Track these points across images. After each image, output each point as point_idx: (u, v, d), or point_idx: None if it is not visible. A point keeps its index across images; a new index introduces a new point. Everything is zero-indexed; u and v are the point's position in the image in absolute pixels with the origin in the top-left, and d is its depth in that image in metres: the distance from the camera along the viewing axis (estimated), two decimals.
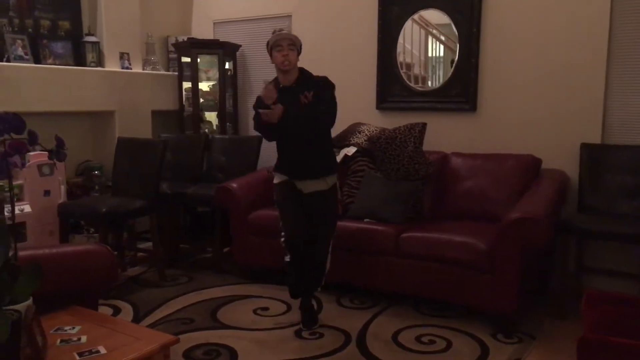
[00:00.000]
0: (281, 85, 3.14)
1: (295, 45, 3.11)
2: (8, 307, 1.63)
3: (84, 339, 1.82)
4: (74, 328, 1.90)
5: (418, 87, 4.40)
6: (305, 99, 3.09)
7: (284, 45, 3.06)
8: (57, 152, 1.60)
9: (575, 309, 3.42)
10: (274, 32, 3.12)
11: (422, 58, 4.51)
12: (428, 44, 4.50)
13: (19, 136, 1.49)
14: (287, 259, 3.23)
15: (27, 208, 3.90)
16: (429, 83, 4.46)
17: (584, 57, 3.71)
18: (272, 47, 3.08)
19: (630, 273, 3.49)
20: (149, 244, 4.68)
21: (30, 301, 1.72)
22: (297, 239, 3.15)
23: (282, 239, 3.25)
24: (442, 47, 4.51)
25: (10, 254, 1.75)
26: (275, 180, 3.28)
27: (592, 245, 3.62)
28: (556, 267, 3.66)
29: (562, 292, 3.50)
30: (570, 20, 3.74)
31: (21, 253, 1.90)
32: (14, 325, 1.56)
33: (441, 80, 4.43)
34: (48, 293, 1.86)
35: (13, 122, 1.38)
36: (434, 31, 4.40)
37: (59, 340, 1.80)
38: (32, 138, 1.44)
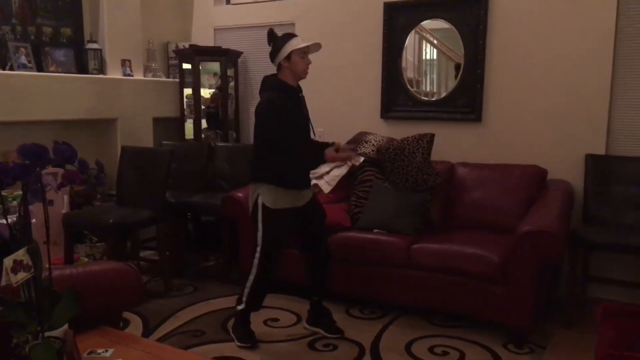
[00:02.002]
0: (288, 88, 3.08)
1: None
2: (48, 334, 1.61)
3: None
4: (107, 351, 1.88)
5: (423, 97, 4.43)
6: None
7: (307, 53, 3.05)
8: (98, 177, 1.58)
9: (581, 318, 3.50)
10: (291, 36, 3.06)
11: (416, 62, 4.53)
12: (422, 48, 4.54)
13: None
14: (254, 278, 3.13)
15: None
16: (423, 87, 4.50)
17: (589, 69, 3.76)
18: (297, 51, 2.99)
19: (636, 282, 3.55)
20: (148, 253, 4.65)
21: (66, 326, 1.70)
22: (272, 277, 3.17)
23: (256, 261, 3.12)
24: (434, 50, 4.54)
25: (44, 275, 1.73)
26: (271, 204, 3.04)
27: (597, 255, 3.67)
28: (562, 276, 3.72)
29: (567, 301, 3.55)
30: (576, 32, 3.79)
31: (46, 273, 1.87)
32: (57, 354, 1.54)
33: (435, 83, 4.48)
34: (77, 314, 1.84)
35: (66, 152, 1.37)
36: (428, 35, 4.43)
37: None
38: (82, 167, 1.43)
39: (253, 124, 3.14)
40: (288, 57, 3.00)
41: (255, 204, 3.10)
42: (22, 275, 1.43)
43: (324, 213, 3.33)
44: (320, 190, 4.07)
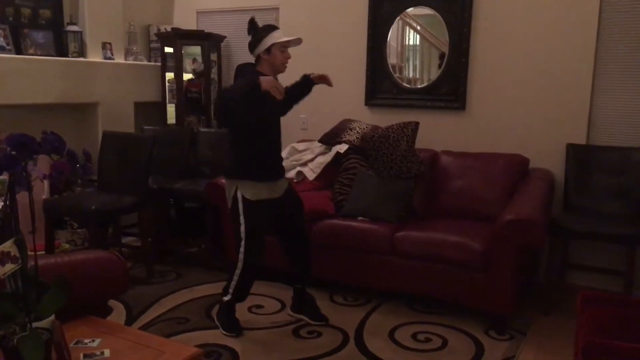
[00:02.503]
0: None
1: None
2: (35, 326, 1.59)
3: (107, 352, 1.79)
4: (94, 341, 1.87)
5: (406, 83, 4.44)
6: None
7: (287, 47, 3.03)
8: (84, 166, 1.56)
9: (559, 305, 3.57)
10: (272, 28, 3.02)
11: (399, 48, 4.52)
12: (405, 34, 4.52)
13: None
14: (240, 272, 3.11)
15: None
16: (405, 73, 4.51)
17: (571, 60, 3.80)
18: (277, 45, 2.97)
19: (614, 270, 3.63)
20: (129, 239, 4.61)
21: (53, 317, 1.69)
22: (259, 267, 3.16)
23: (241, 255, 3.08)
24: (417, 36, 4.53)
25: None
26: (251, 196, 3.02)
27: (576, 242, 3.73)
28: (540, 263, 3.79)
29: (546, 287, 3.62)
30: (559, 23, 3.82)
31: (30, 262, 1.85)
32: (45, 345, 1.53)
33: (418, 69, 4.49)
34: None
35: (54, 142, 1.34)
36: (411, 21, 4.41)
37: (82, 355, 1.77)
38: (72, 158, 1.41)
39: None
40: (268, 49, 2.98)
41: (235, 198, 3.07)
42: (9, 267, 1.41)
43: (302, 202, 3.33)
44: (305, 177, 4.07)
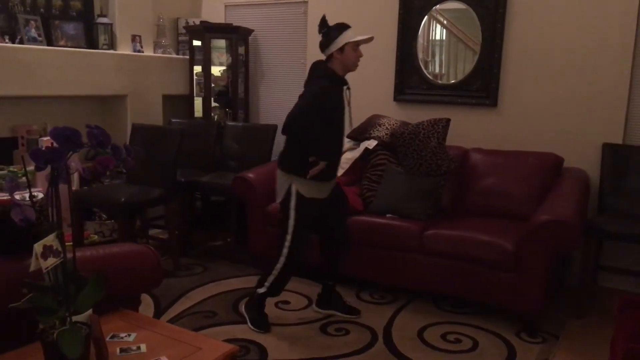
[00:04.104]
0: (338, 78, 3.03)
1: None
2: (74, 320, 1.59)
3: (143, 347, 1.78)
4: (129, 335, 1.86)
5: (437, 79, 4.37)
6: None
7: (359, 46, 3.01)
8: (125, 160, 1.54)
9: (592, 308, 3.49)
10: (345, 26, 2.98)
11: (425, 43, 4.44)
12: (431, 29, 4.44)
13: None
14: (281, 266, 3.11)
15: (40, 195, 3.82)
16: (431, 68, 4.44)
17: (609, 56, 3.70)
18: (350, 44, 2.94)
19: None
20: (155, 231, 4.62)
21: (90, 311, 1.68)
22: (300, 262, 3.16)
23: (286, 250, 3.07)
24: (444, 31, 4.45)
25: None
26: (306, 193, 3.02)
27: (610, 244, 3.64)
28: (572, 264, 3.71)
29: (578, 289, 3.54)
30: (597, 19, 3.72)
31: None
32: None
33: (444, 65, 4.42)
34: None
35: (99, 136, 1.33)
36: (438, 15, 4.33)
37: (118, 350, 1.76)
38: (116, 153, 1.39)
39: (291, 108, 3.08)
40: (341, 49, 2.96)
41: (289, 192, 3.05)
42: (51, 261, 1.40)
43: (346, 198, 3.33)
44: None
